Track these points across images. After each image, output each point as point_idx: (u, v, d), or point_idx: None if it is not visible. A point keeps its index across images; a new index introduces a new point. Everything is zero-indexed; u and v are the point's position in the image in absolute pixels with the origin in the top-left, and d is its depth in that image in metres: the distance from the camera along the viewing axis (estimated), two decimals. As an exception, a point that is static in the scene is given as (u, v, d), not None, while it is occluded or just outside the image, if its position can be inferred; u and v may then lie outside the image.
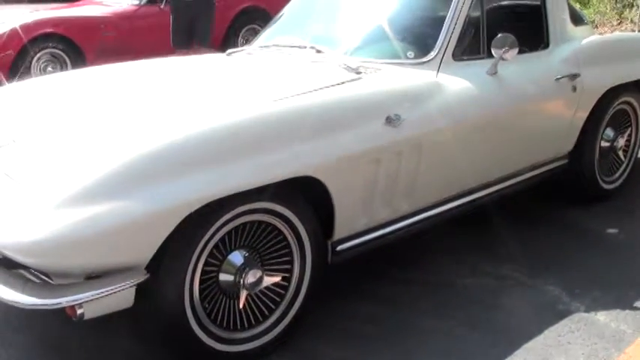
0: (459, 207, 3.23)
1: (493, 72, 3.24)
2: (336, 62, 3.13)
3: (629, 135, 4.29)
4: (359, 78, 2.92)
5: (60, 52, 7.53)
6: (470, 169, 3.21)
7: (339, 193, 2.60)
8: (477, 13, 3.34)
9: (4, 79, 6.34)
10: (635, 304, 2.95)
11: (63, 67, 7.50)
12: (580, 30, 4.04)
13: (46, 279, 2.16)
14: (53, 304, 2.08)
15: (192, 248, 2.26)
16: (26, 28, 7.26)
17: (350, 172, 2.62)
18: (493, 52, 3.20)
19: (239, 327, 2.48)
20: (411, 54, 3.19)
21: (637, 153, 4.40)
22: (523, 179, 3.61)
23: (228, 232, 2.39)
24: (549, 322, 2.79)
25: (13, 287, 2.13)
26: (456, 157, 3.08)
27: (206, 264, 2.35)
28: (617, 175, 4.27)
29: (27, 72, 7.16)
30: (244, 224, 2.43)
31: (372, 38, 3.45)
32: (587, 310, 2.89)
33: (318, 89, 2.70)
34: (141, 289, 2.19)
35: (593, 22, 9.44)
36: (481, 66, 3.26)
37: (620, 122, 4.21)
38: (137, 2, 8.24)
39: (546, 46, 3.75)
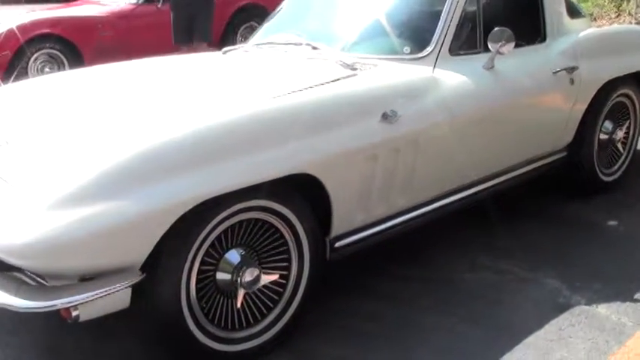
0: (457, 201, 3.22)
1: (490, 66, 3.23)
2: (332, 59, 3.12)
3: (628, 127, 4.28)
4: (355, 74, 2.91)
5: (57, 52, 7.51)
6: (468, 164, 3.20)
7: (336, 189, 2.59)
8: (473, 8, 3.32)
9: (0, 81, 6.32)
10: (635, 297, 2.94)
11: (60, 67, 7.48)
12: (577, 23, 4.03)
13: (42, 281, 2.14)
14: (47, 307, 2.06)
15: (188, 247, 2.25)
16: (23, 28, 7.25)
17: (346, 168, 2.61)
18: (490, 46, 3.19)
19: (237, 326, 2.47)
20: (407, 49, 3.18)
21: (636, 145, 4.39)
22: (522, 173, 3.60)
23: (225, 231, 2.37)
24: (550, 316, 2.79)
25: (6, 290, 2.11)
26: (453, 153, 3.07)
27: (202, 263, 2.33)
28: (616, 167, 4.26)
29: (24, 73, 7.14)
30: (241, 222, 2.41)
31: (368, 34, 3.43)
32: (587, 303, 2.89)
33: (314, 86, 2.69)
34: (137, 290, 2.18)
35: (591, 14, 9.41)
36: (478, 60, 3.25)
37: (619, 114, 4.20)
38: (134, 1, 8.22)
39: (543, 39, 3.73)
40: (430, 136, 2.92)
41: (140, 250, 2.13)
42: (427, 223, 3.15)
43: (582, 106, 3.81)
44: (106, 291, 2.10)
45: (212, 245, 2.35)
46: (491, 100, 3.23)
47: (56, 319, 2.20)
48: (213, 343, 2.38)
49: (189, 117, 2.37)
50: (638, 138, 4.41)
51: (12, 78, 6.67)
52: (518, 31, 3.23)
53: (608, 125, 4.11)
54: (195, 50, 5.96)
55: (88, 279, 2.12)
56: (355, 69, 2.97)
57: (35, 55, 7.32)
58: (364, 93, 2.80)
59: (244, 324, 2.48)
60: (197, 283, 2.33)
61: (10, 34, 7.18)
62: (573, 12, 4.06)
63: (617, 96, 4.09)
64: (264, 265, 2.50)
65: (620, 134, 4.19)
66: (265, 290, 2.52)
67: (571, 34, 3.84)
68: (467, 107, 3.09)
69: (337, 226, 2.68)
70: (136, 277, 2.16)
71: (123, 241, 2.08)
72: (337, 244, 2.72)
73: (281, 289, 2.57)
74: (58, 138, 2.42)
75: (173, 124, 2.31)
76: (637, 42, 4.34)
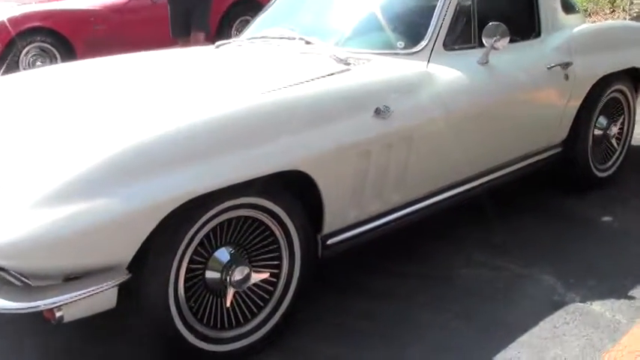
0: (451, 197, 3.20)
1: (484, 61, 3.21)
2: (325, 53, 3.08)
3: (622, 123, 4.27)
4: (348, 69, 2.88)
5: (49, 46, 7.42)
6: (462, 160, 3.18)
7: (328, 186, 2.55)
8: (467, 2, 3.30)
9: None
10: (629, 294, 2.92)
11: (52, 61, 7.40)
12: (571, 18, 4.02)
13: (27, 281, 2.10)
14: (30, 308, 2.01)
15: (176, 245, 2.21)
16: (14, 21, 7.16)
17: (338, 165, 2.58)
18: (484, 41, 3.17)
19: (226, 326, 2.43)
20: (401, 44, 3.15)
21: (630, 141, 4.38)
22: (516, 169, 3.58)
23: (214, 229, 2.33)
24: (545, 314, 2.77)
25: None
26: (447, 149, 3.05)
27: (191, 261, 2.29)
28: (610, 163, 4.25)
29: (15, 66, 7.07)
30: (230, 220, 2.38)
31: (362, 29, 3.40)
32: (582, 301, 2.87)
33: (306, 81, 2.65)
34: (124, 289, 2.14)
35: (585, 10, 9.41)
36: (472, 55, 3.23)
37: (613, 110, 4.19)
38: (129, -6, 8.14)
39: (538, 34, 3.71)
40: (424, 132, 2.89)
41: (127, 248, 2.09)
42: (422, 219, 3.12)
43: (577, 102, 3.79)
44: (91, 291, 2.05)
45: (201, 243, 2.31)
46: (486, 95, 3.21)
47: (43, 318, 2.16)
48: (201, 343, 2.34)
49: (178, 113, 2.32)
50: (632, 134, 4.39)
51: (1, 71, 6.62)
52: (512, 26, 3.22)
53: (602, 121, 4.10)
54: (193, 42, 5.91)
55: (72, 279, 2.07)
56: (348, 64, 2.93)
57: (27, 49, 7.24)
58: (357, 88, 2.76)
59: (234, 323, 2.45)
60: (185, 282, 2.29)
61: (0, 26, 7.10)
62: (568, 7, 4.04)
63: (612, 92, 4.08)
64: (254, 264, 2.46)
65: (614, 130, 4.17)
66: (255, 289, 2.49)
67: (565, 30, 3.82)
68: (461, 103, 3.06)
69: (329, 224, 2.64)
70: (123, 277, 2.12)
71: (109, 240, 2.04)
72: (329, 242, 2.68)
73: (272, 288, 2.54)
74: (44, 133, 2.38)
75: (161, 120, 2.26)
76: (631, 38, 4.32)
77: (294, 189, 2.51)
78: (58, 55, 7.44)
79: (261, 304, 2.52)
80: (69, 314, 2.05)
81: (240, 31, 8.49)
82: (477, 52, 3.23)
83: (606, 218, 3.74)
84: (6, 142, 2.40)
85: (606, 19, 9.45)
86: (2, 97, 2.95)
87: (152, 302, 2.20)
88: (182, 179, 2.13)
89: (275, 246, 2.52)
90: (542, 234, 3.54)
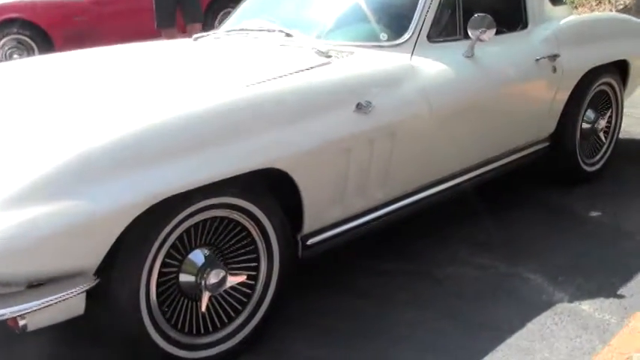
0: (437, 194, 3.14)
1: (470, 54, 3.14)
2: (305, 46, 2.99)
3: (610, 116, 4.24)
4: (328, 62, 2.78)
5: (26, 38, 7.30)
6: (448, 156, 3.12)
7: (307, 185, 2.47)
8: (452, -8, 3.21)
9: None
10: (618, 292, 2.87)
11: (30, 53, 7.28)
12: (559, 10, 3.98)
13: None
14: None
15: (147, 248, 2.11)
16: (-11, 12, 7.04)
17: (318, 162, 2.49)
18: (470, 33, 3.10)
19: (202, 331, 2.33)
20: (384, 36, 3.07)
21: (618, 134, 4.35)
22: (503, 164, 3.53)
23: (187, 230, 2.24)
24: (532, 314, 2.70)
25: None
26: (432, 144, 2.98)
27: (164, 265, 2.19)
28: (598, 157, 4.21)
29: (-9, 59, 6.95)
30: (205, 221, 2.28)
31: (344, 20, 3.32)
32: (570, 300, 2.80)
33: (284, 75, 2.55)
34: (92, 295, 2.04)
35: (572, 2, 9.38)
36: (457, 48, 3.16)
37: (601, 103, 4.15)
38: (110, -15, 8.00)
39: (525, 26, 3.66)
40: (407, 127, 2.81)
41: (94, 253, 1.99)
42: (407, 216, 3.06)
43: (564, 95, 3.75)
44: (57, 298, 1.95)
45: (174, 246, 2.21)
46: (472, 89, 3.14)
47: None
48: (175, 350, 2.24)
49: (150, 109, 2.21)
50: (620, 127, 4.36)
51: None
52: (499, 18, 3.15)
53: (590, 114, 4.06)
54: (189, 34, 5.81)
55: (36, 285, 1.96)
56: (329, 57, 2.84)
57: (3, 41, 7.11)
58: (337, 82, 2.67)
59: (210, 328, 2.35)
60: (158, 287, 2.19)
61: (-24, 19, 6.97)
62: (555, -2, 3.99)
63: (600, 85, 4.04)
64: (230, 266, 2.37)
65: (602, 123, 4.14)
66: (232, 292, 2.39)
67: (553, 21, 3.77)
68: (446, 96, 2.99)
69: (309, 223, 2.56)
70: (91, 282, 2.02)
71: (75, 244, 1.94)
72: (310, 242, 2.60)
73: (249, 291, 2.44)
74: (7, 131, 2.26)
75: (131, 117, 2.15)
76: (619, 30, 4.29)
77: (272, 187, 2.42)
78: (35, 48, 7.31)
79: (239, 307, 2.42)
80: (33, 323, 1.95)
81: (223, 23, 8.38)
82: (463, 45, 3.16)
83: (594, 214, 3.69)
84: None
85: (592, 11, 9.43)
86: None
87: (122, 308, 2.10)
88: (152, 179, 2.03)
89: (252, 247, 2.43)
90: (530, 230, 3.49)
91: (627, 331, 2.57)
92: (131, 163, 2.03)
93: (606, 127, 4.19)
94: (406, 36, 3.01)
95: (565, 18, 3.86)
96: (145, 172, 2.03)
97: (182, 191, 2.10)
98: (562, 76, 3.63)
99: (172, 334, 2.24)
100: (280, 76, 2.53)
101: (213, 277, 2.26)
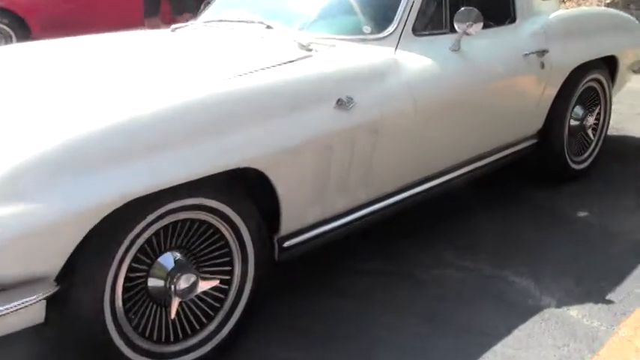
0: (422, 192, 3.07)
1: (456, 48, 3.07)
2: (286, 38, 2.88)
3: (599, 113, 4.18)
4: (309, 56, 2.67)
5: (4, 26, 7.11)
6: (433, 153, 3.05)
7: (285, 185, 2.36)
8: (438, -16, 3.14)
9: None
10: (607, 297, 2.79)
11: (8, 41, 7.09)
12: (547, 4, 3.92)
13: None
14: None
15: (112, 252, 1.98)
16: (-36, 1, 6.85)
17: (296, 162, 2.38)
18: (456, 26, 3.01)
19: (171, 339, 2.21)
20: (367, 29, 2.98)
21: (606, 132, 4.30)
22: (490, 161, 3.46)
23: (157, 233, 2.12)
24: (519, 320, 2.61)
25: None
26: (417, 141, 2.89)
27: (130, 269, 2.07)
28: (586, 154, 4.16)
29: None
30: (175, 223, 2.16)
31: (327, 12, 3.22)
32: (558, 305, 2.73)
33: (261, 69, 2.43)
34: (54, 301, 1.91)
35: (560, -5, 9.32)
36: (443, 41, 3.08)
37: (589, 100, 4.09)
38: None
39: (513, 20, 3.59)
40: (390, 124, 2.71)
41: (55, 258, 1.87)
42: (391, 216, 2.97)
43: (552, 91, 3.69)
44: (15, 306, 1.83)
45: (142, 249, 2.09)
46: (458, 84, 3.06)
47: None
48: (142, 359, 2.12)
49: (119, 104, 2.08)
50: (608, 125, 4.31)
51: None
52: (486, 11, 3.08)
53: (578, 111, 4.01)
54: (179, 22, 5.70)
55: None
56: (310, 50, 2.73)
57: (-21, 29, 6.94)
58: (317, 77, 2.56)
59: (180, 336, 2.24)
60: (124, 292, 2.07)
61: (-49, 6, 6.78)
62: (543, -8, 3.91)
63: (588, 81, 3.98)
64: (203, 270, 2.25)
65: (590, 120, 4.09)
66: (204, 297, 2.28)
67: (541, 16, 3.71)
68: (431, 92, 2.90)
69: (287, 225, 2.46)
70: (51, 289, 1.90)
71: (34, 249, 1.81)
72: (287, 244, 2.50)
73: (222, 296, 2.33)
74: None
75: (97, 113, 2.02)
76: (609, 25, 4.25)
77: (248, 188, 2.31)
78: (13, 36, 7.13)
79: (211, 313, 2.31)
80: (-10, 331, 1.83)
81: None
82: (449, 38, 3.07)
83: (582, 213, 3.63)
84: None
85: (580, 6, 9.37)
86: None
87: (84, 315, 1.97)
88: (118, 180, 1.91)
89: (226, 250, 2.31)
90: (517, 229, 3.43)
91: (617, 340, 2.49)
92: (97, 162, 1.91)
93: (594, 124, 4.14)
94: (390, 29, 2.92)
95: (554, 12, 3.79)
96: (111, 172, 1.91)
97: (151, 192, 1.98)
98: (550, 72, 3.56)
99: (139, 342, 2.12)
100: (257, 70, 2.42)
101: (183, 282, 2.15)
